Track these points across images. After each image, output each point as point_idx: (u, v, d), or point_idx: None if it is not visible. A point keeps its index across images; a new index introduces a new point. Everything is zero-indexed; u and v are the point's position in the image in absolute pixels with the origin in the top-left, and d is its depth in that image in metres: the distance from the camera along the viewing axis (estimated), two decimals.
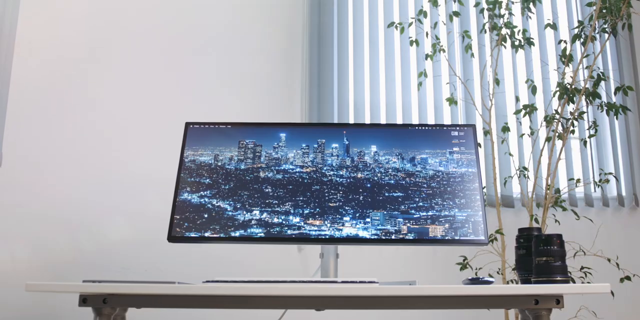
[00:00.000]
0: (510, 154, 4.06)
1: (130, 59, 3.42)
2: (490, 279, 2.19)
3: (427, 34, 4.47)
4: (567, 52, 3.92)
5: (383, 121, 4.36)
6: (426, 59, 4.32)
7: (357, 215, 2.56)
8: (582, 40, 3.99)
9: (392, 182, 2.62)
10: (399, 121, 4.37)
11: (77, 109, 3.13)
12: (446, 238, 2.52)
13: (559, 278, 2.22)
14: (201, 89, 3.74)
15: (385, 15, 4.59)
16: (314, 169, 2.66)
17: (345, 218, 2.56)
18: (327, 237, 2.54)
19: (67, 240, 2.99)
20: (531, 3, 4.18)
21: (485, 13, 4.31)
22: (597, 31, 3.98)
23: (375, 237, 2.53)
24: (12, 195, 2.82)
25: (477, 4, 4.39)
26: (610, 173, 4.37)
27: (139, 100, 3.41)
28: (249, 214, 2.57)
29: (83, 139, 3.12)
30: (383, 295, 2.09)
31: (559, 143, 4.12)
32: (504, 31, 4.11)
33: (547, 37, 4.55)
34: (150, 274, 3.28)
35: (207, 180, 2.65)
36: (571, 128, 3.79)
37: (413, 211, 2.56)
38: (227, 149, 2.70)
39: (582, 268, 3.56)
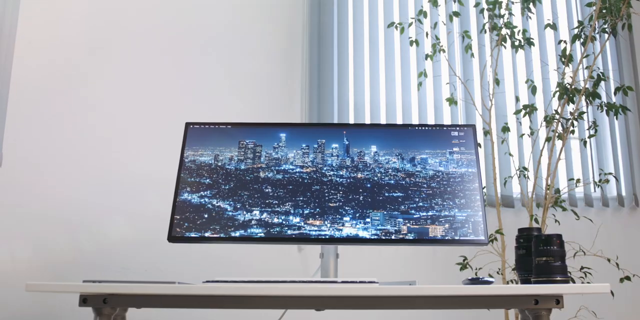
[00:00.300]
0: (510, 154, 4.07)
1: (130, 59, 3.42)
2: (490, 279, 2.19)
3: (427, 34, 4.47)
4: (567, 52, 3.93)
5: (383, 121, 4.36)
6: (426, 59, 4.32)
7: (357, 215, 2.56)
8: (582, 40, 3.99)
9: (392, 182, 2.62)
10: (399, 121, 4.37)
11: (77, 110, 3.13)
12: (446, 238, 2.53)
13: (558, 278, 2.22)
14: (201, 89, 3.74)
15: (385, 15, 4.59)
16: (314, 169, 2.66)
17: (345, 218, 2.56)
18: (327, 237, 2.54)
19: (67, 240, 2.99)
20: (531, 3, 4.18)
21: (485, 13, 4.31)
22: (597, 31, 3.99)
23: (375, 237, 2.53)
24: (12, 195, 2.82)
25: (477, 4, 4.39)
26: (610, 173, 4.37)
27: (139, 101, 3.41)
28: (249, 214, 2.57)
29: (83, 140, 3.13)
30: (383, 295, 2.10)
31: (558, 143, 4.12)
32: (504, 31, 4.11)
33: (547, 37, 4.56)
34: (150, 274, 3.28)
35: (207, 180, 2.65)
36: (571, 128, 3.79)
37: (413, 211, 2.57)
38: (227, 149, 2.70)
39: (582, 268, 3.56)
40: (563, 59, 3.92)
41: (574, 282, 3.70)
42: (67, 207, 3.01)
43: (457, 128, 2.72)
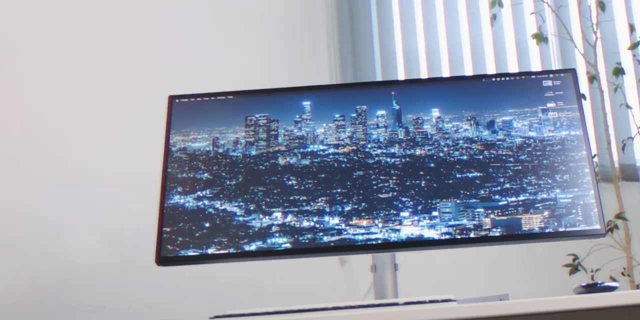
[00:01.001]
0: (628, 106, 4.03)
1: (78, 7, 3.39)
2: (614, 284, 2.18)
3: None
4: None
5: (446, 73, 4.35)
6: None
7: (419, 208, 2.55)
8: None
9: (465, 158, 2.61)
10: (469, 72, 4.35)
11: (9, 93, 3.10)
12: (547, 231, 2.52)
13: None
14: (187, 44, 3.72)
15: None
16: (354, 147, 2.65)
17: (402, 213, 2.55)
18: (379, 242, 2.53)
19: (16, 271, 2.98)
20: None
21: None
22: None
23: (447, 237, 2.52)
24: None
25: None
26: None
27: (99, 70, 3.39)
28: (267, 217, 2.56)
29: (24, 134, 3.11)
30: (465, 317, 2.08)
31: None
32: None
33: None
34: (136, 313, 3.28)
35: (206, 174, 2.64)
36: None
37: (497, 197, 2.55)
38: (229, 129, 2.69)
39: None
40: None
41: None
42: (11, 225, 3.00)
43: (551, 75, 2.70)
